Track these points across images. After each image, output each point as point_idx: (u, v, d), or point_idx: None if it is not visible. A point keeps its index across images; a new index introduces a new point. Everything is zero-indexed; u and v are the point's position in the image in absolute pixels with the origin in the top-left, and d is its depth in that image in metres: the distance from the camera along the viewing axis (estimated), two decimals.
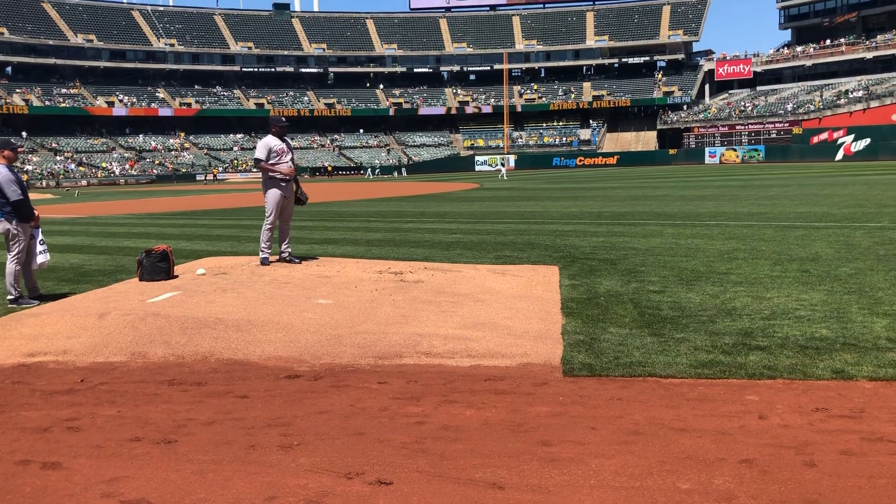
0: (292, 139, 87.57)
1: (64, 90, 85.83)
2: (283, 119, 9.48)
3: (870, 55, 79.22)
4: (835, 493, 2.96)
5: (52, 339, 5.97)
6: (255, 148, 9.97)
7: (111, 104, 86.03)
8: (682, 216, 16.36)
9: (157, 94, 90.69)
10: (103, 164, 78.48)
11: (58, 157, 77.92)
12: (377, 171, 78.60)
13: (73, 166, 76.10)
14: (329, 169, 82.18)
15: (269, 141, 9.24)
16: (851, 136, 66.37)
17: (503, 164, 60.20)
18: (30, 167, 71.67)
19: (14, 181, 7.79)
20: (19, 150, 8.49)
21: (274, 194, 9.21)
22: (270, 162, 9.14)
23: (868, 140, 65.25)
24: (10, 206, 7.77)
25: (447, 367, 5.16)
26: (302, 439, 3.73)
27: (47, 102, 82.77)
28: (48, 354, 5.68)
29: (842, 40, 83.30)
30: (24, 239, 7.90)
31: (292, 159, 9.42)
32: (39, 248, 8.08)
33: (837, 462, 3.27)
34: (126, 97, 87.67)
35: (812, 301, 6.69)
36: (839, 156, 65.77)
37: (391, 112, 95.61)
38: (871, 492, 2.97)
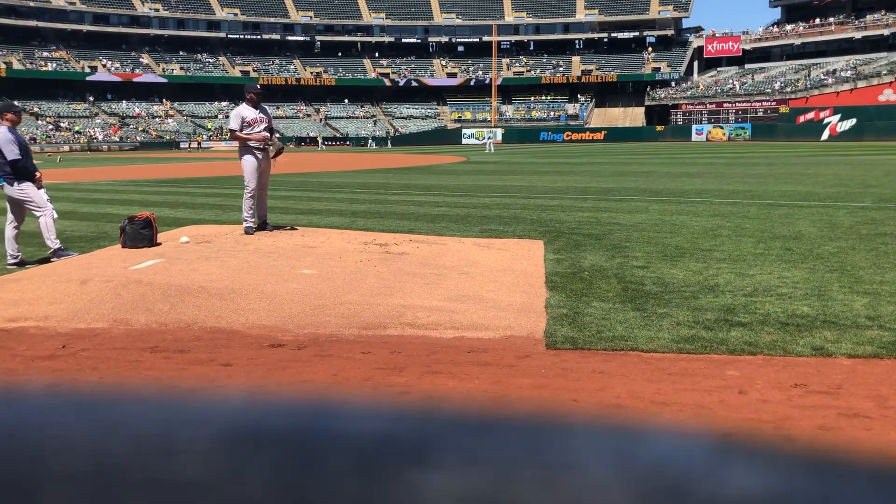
0: (278, 107, 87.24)
1: (46, 53, 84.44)
2: (258, 86, 9.47)
3: (858, 35, 79.26)
4: None
5: (34, 304, 5.92)
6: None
7: (94, 69, 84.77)
8: (668, 193, 16.40)
9: (140, 60, 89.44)
10: (77, 128, 77.38)
11: (39, 122, 76.87)
12: (380, 142, 78.14)
13: (54, 131, 75.18)
14: (319, 140, 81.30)
15: (242, 110, 9.21)
16: (838, 116, 66.52)
17: (490, 138, 60.54)
18: None
19: (13, 142, 7.85)
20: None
21: (250, 162, 9.18)
22: (245, 132, 9.11)
23: (854, 120, 65.44)
24: (9, 167, 7.78)
25: (431, 338, 5.17)
26: None
27: (29, 66, 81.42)
28: (29, 320, 5.63)
29: (831, 19, 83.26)
30: (34, 195, 7.93)
31: (269, 128, 9.38)
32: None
33: (814, 437, 3.32)
34: (109, 62, 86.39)
35: (794, 279, 6.74)
36: (825, 135, 65.96)
37: (386, 83, 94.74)
38: None
